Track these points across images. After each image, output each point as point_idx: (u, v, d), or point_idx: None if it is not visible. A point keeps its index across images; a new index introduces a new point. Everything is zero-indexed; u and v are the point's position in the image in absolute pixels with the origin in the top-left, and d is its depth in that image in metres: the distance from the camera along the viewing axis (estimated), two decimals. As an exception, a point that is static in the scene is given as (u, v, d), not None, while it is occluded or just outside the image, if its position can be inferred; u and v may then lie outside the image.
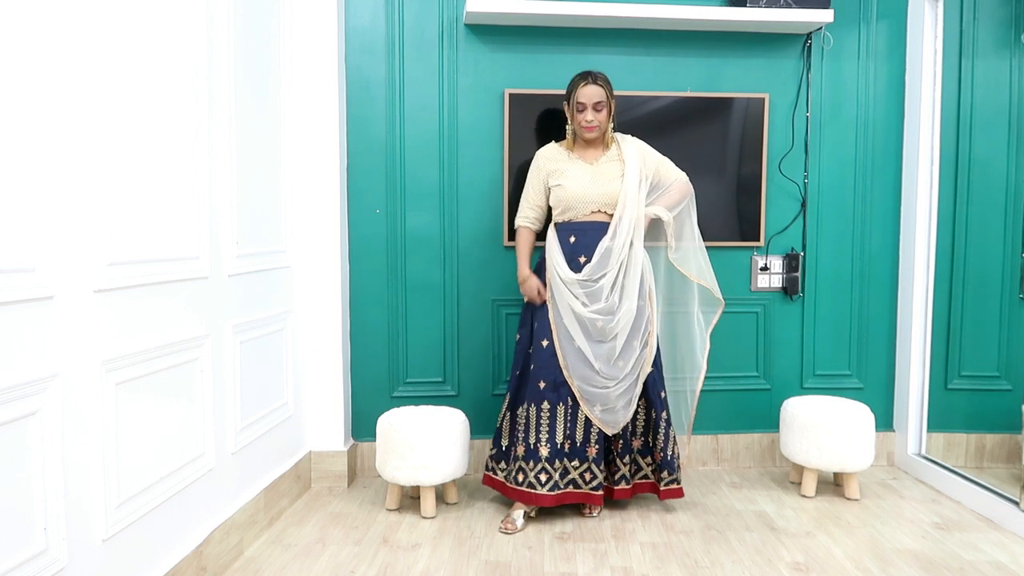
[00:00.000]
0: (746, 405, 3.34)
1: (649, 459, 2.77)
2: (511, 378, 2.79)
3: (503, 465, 2.75)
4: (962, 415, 3.26)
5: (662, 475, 2.73)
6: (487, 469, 2.81)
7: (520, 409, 2.68)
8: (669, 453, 2.72)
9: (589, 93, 2.61)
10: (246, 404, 2.50)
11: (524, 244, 2.80)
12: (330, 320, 3.03)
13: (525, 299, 2.77)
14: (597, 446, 2.65)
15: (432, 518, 2.74)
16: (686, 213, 2.79)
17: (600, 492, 2.66)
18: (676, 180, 2.76)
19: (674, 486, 2.75)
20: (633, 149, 2.70)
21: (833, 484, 3.10)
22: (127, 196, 1.83)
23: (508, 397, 2.78)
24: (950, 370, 3.26)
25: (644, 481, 2.78)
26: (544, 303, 2.67)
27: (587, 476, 2.66)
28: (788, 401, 3.10)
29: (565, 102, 2.70)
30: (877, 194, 3.30)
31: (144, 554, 1.92)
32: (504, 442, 2.76)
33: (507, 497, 2.72)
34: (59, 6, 1.58)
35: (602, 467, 2.67)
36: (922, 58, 3.16)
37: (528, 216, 2.79)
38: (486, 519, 2.74)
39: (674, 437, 2.76)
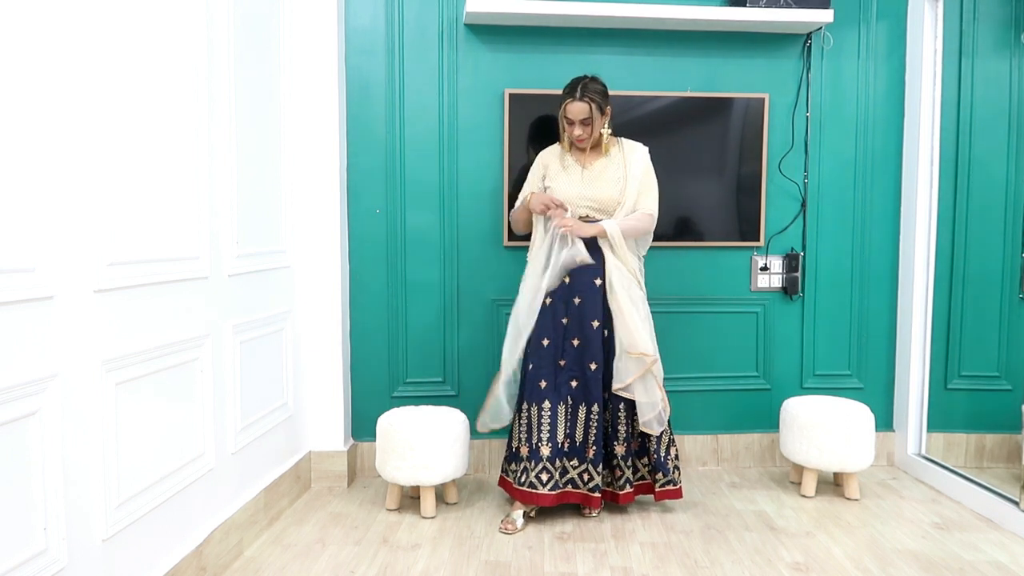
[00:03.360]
0: (746, 405, 3.34)
1: (645, 459, 2.77)
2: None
3: (512, 467, 2.75)
4: (962, 415, 3.26)
5: (656, 476, 2.73)
6: (502, 471, 2.81)
7: (523, 409, 2.68)
8: (662, 454, 2.72)
9: (575, 110, 2.59)
10: (246, 404, 2.50)
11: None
12: (330, 320, 3.03)
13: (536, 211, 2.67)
14: (595, 447, 2.65)
15: (432, 518, 2.74)
16: (631, 249, 2.69)
17: (598, 495, 2.65)
18: (645, 210, 2.68)
19: (670, 487, 2.74)
20: (639, 159, 2.69)
21: (833, 484, 3.10)
22: (127, 196, 1.83)
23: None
24: (950, 370, 3.26)
25: (642, 483, 2.78)
26: (547, 304, 2.66)
27: (585, 477, 2.66)
28: (788, 401, 3.10)
29: (559, 108, 2.69)
30: (877, 194, 3.30)
31: (144, 554, 1.92)
32: (514, 444, 2.75)
33: (513, 497, 2.72)
34: (59, 6, 1.58)
35: (600, 469, 2.66)
36: (922, 58, 3.16)
37: None
38: (486, 519, 2.74)
39: (669, 439, 2.75)
